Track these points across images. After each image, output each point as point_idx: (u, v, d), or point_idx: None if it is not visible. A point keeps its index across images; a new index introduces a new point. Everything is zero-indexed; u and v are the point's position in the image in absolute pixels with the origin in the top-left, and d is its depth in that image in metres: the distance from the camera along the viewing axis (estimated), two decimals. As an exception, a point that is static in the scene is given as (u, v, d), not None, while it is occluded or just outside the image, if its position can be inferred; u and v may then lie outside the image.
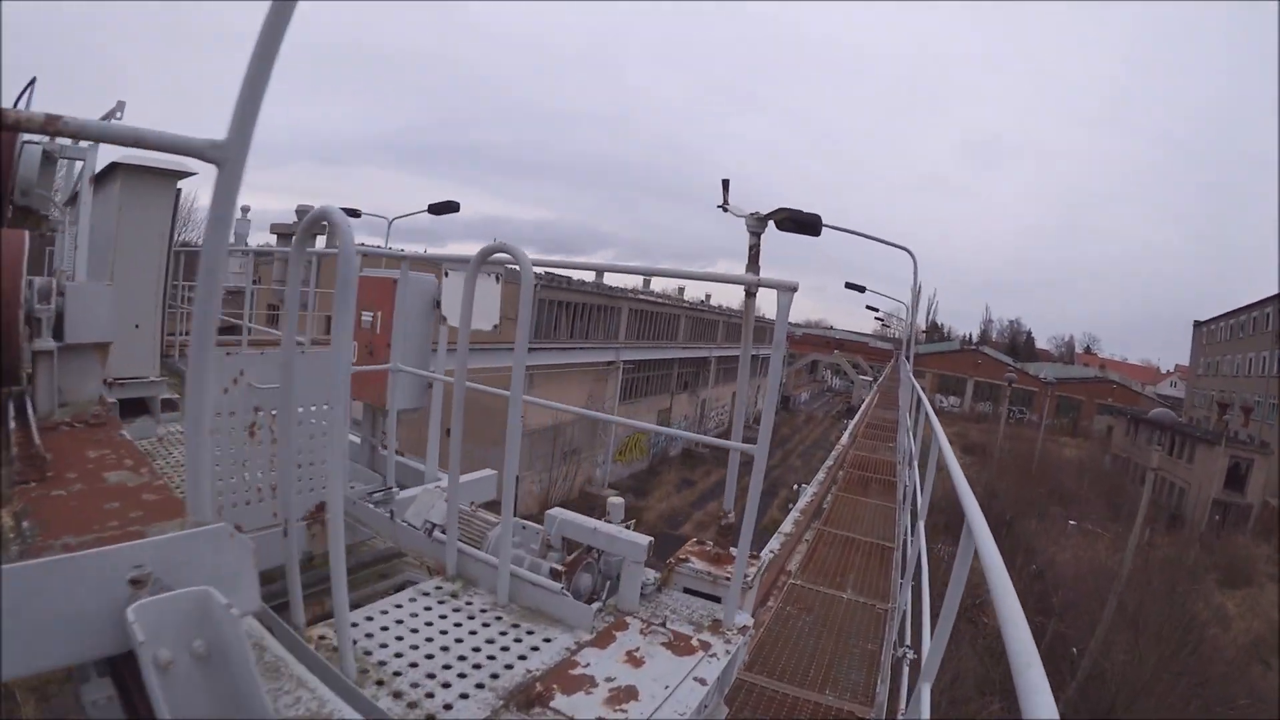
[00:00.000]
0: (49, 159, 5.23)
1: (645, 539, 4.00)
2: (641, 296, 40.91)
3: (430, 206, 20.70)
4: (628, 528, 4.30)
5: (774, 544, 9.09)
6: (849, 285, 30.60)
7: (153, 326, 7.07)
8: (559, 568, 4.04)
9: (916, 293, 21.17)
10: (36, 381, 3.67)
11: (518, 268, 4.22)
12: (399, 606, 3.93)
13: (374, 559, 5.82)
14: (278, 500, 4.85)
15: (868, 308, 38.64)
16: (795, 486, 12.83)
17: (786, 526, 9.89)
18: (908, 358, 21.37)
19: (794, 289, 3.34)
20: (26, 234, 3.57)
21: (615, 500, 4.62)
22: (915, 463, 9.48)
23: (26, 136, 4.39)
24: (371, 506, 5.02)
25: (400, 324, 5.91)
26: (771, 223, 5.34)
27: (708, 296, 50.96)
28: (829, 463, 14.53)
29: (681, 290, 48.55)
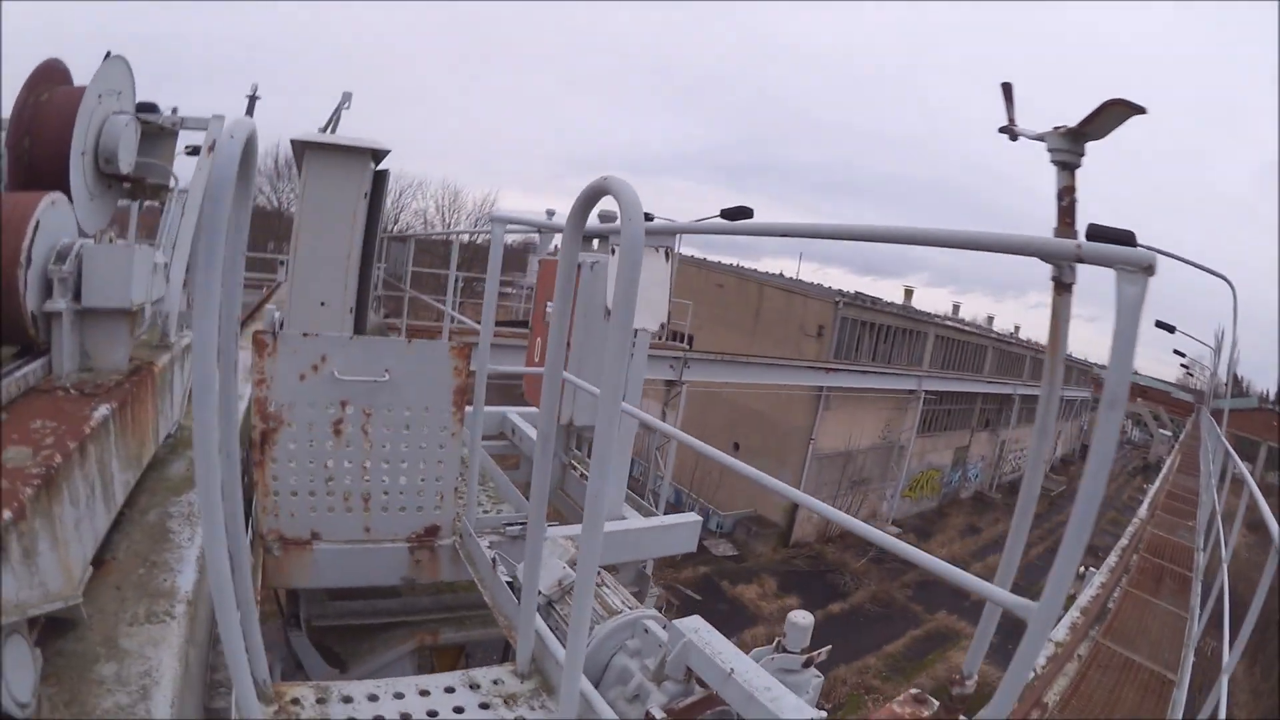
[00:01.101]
0: (166, 131, 5.18)
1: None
2: (949, 323, 38.26)
3: (723, 211, 20.01)
4: (811, 663, 2.99)
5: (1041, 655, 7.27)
6: (1159, 324, 26.30)
7: (340, 305, 6.84)
8: (657, 717, 2.88)
9: (1221, 336, 17.31)
10: (52, 344, 3.44)
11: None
12: (424, 695, 3.01)
13: (461, 612, 5.16)
14: (370, 514, 4.22)
15: (1175, 352, 33.36)
16: (1083, 570, 10.24)
17: (1060, 632, 7.97)
18: (1212, 413, 17.52)
19: (1149, 270, 1.77)
20: (46, 196, 3.39)
21: (801, 620, 3.02)
22: (1225, 558, 7.30)
23: (115, 107, 4.25)
24: (484, 546, 4.15)
25: (580, 318, 5.15)
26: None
27: (1016, 329, 46.95)
28: (1123, 542, 11.96)
29: (990, 320, 44.99)
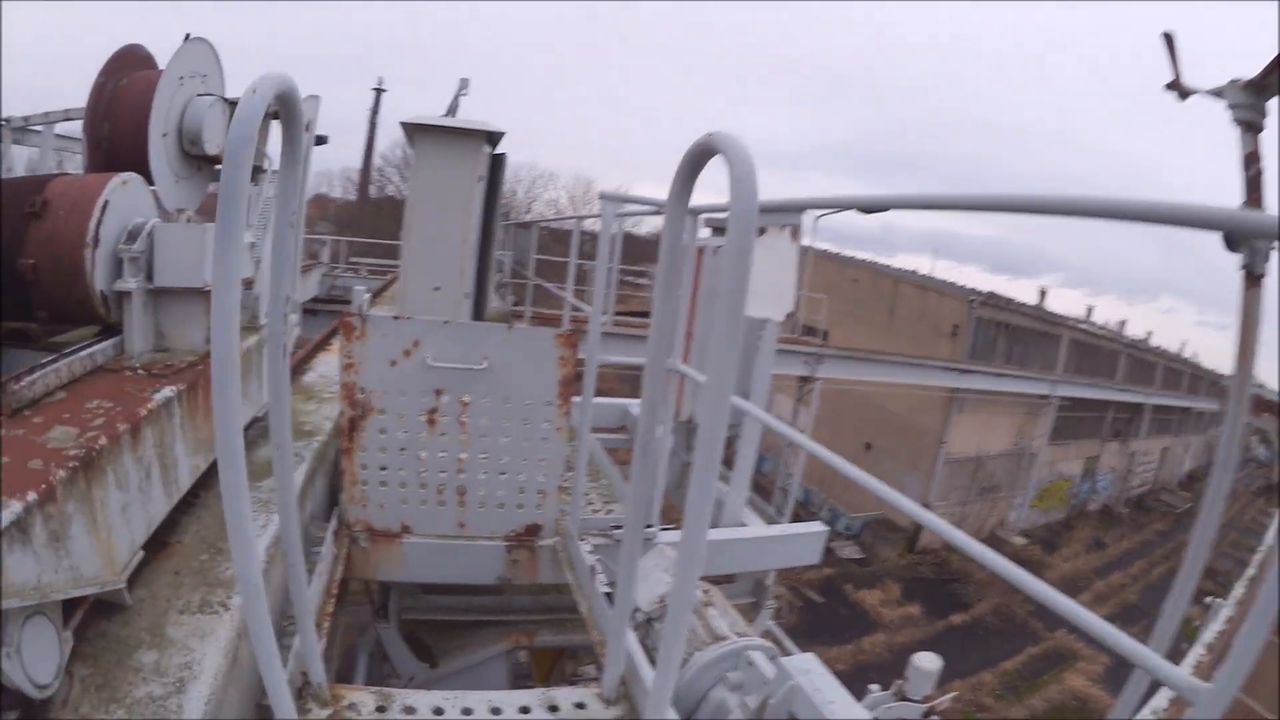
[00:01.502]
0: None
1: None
2: (1082, 326, 36.20)
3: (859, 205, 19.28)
4: (933, 712, 2.56)
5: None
6: None
7: (456, 291, 6.68)
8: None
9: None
10: (124, 323, 3.31)
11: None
12: (495, 713, 2.72)
13: (562, 614, 4.90)
14: (465, 509, 3.92)
15: None
16: (1207, 601, 8.97)
17: (1182, 671, 7.03)
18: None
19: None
20: (117, 177, 3.31)
21: (926, 664, 2.61)
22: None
23: (199, 89, 4.14)
24: (585, 549, 3.78)
25: (704, 309, 4.73)
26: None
27: (1149, 335, 43.94)
28: (1250, 571, 10.71)
29: (1122, 324, 42.23)
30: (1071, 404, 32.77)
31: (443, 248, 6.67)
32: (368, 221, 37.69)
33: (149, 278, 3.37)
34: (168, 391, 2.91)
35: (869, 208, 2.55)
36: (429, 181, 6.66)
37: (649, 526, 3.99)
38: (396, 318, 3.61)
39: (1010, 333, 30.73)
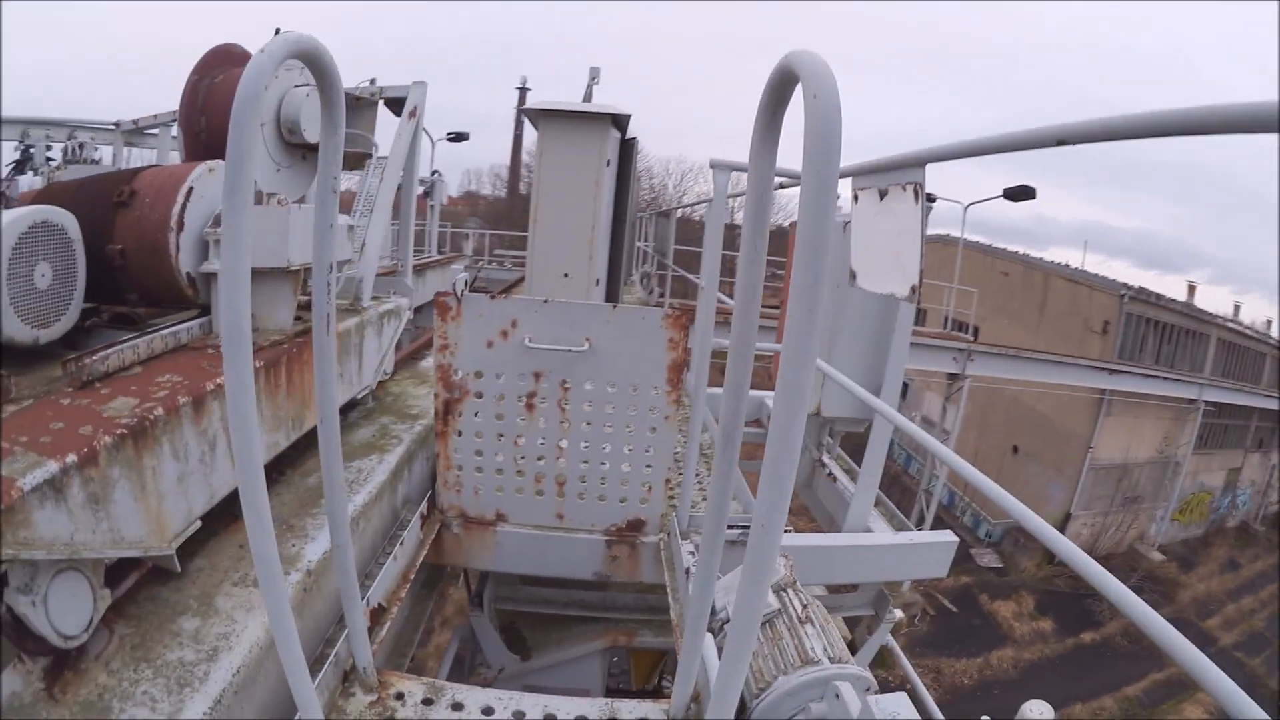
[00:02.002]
0: (365, 102, 5.16)
1: None
2: (1230, 325, 33.58)
3: (1005, 191, 18.45)
4: None
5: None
6: None
7: (585, 277, 6.61)
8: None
9: None
10: (212, 304, 3.35)
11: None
12: None
13: (666, 615, 4.51)
14: (564, 500, 3.68)
15: None
16: None
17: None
18: None
19: None
20: (204, 164, 3.40)
21: (1037, 716, 2.09)
22: None
23: (297, 80, 4.23)
24: (686, 549, 3.48)
25: (830, 290, 4.36)
26: None
27: None
28: None
29: (1269, 324, 38.82)
30: (1216, 409, 30.69)
31: (571, 234, 6.51)
32: (517, 217, 38.33)
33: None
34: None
35: (983, 150, 2.15)
36: (554, 167, 6.51)
37: (733, 528, 3.66)
38: (494, 297, 3.39)
39: (1160, 330, 28.96)
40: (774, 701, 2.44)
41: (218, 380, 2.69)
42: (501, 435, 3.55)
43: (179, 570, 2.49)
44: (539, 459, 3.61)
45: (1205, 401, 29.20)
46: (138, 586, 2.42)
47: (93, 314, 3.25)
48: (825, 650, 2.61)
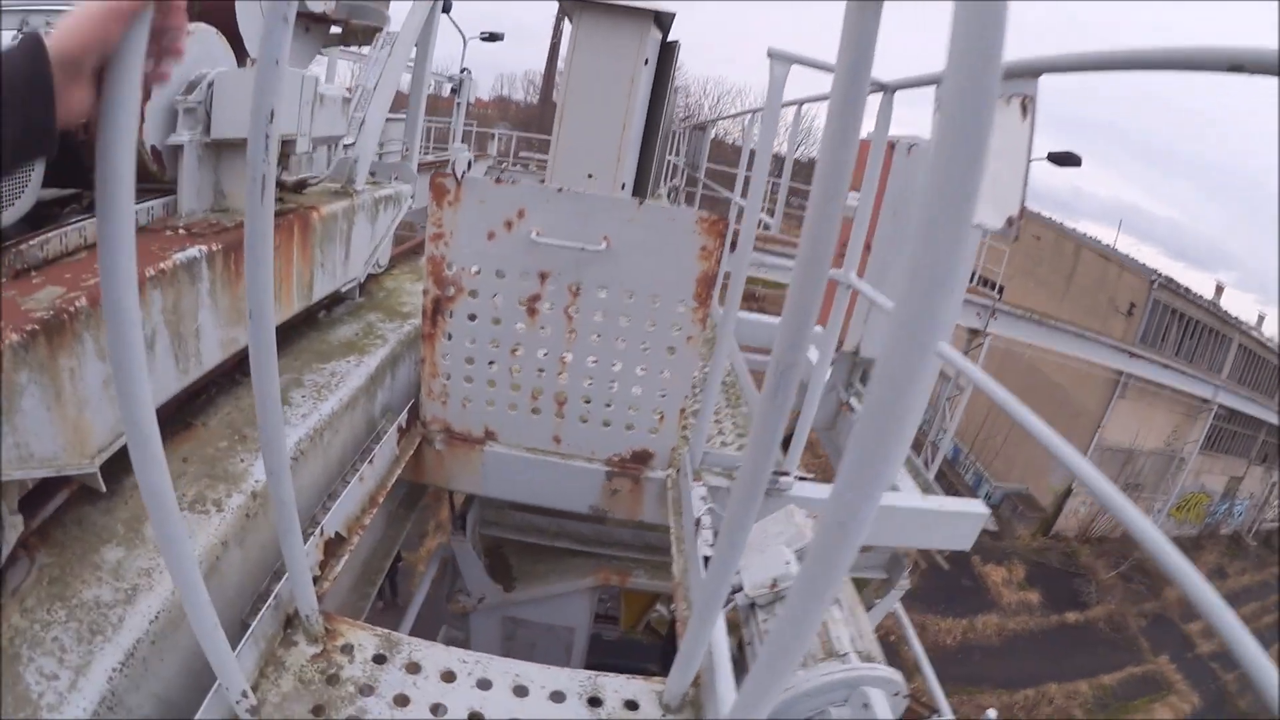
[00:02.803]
0: None
1: None
2: (1253, 333, 32.98)
3: (1050, 155, 17.79)
4: None
5: None
6: None
7: (610, 180, 6.25)
8: None
9: None
10: (178, 181, 2.93)
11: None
12: (520, 694, 2.11)
13: (664, 556, 4.14)
14: (563, 421, 3.25)
15: None
16: None
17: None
18: None
19: None
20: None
21: None
22: None
23: None
24: (698, 492, 3.05)
25: (888, 216, 3.90)
26: None
27: None
28: None
29: None
30: (1228, 415, 30.35)
31: (599, 132, 6.10)
32: (547, 123, 37.85)
33: (207, 130, 2.95)
34: (193, 251, 2.46)
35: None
36: (588, 61, 6.08)
37: (782, 474, 3.22)
38: (499, 180, 2.91)
39: (1184, 324, 28.46)
40: (789, 700, 2.06)
41: (162, 265, 2.28)
42: (497, 342, 3.11)
43: (104, 489, 2.13)
44: (538, 372, 3.17)
45: (1219, 404, 28.89)
46: (68, 505, 2.11)
47: (73, 201, 2.83)
48: (853, 641, 2.23)
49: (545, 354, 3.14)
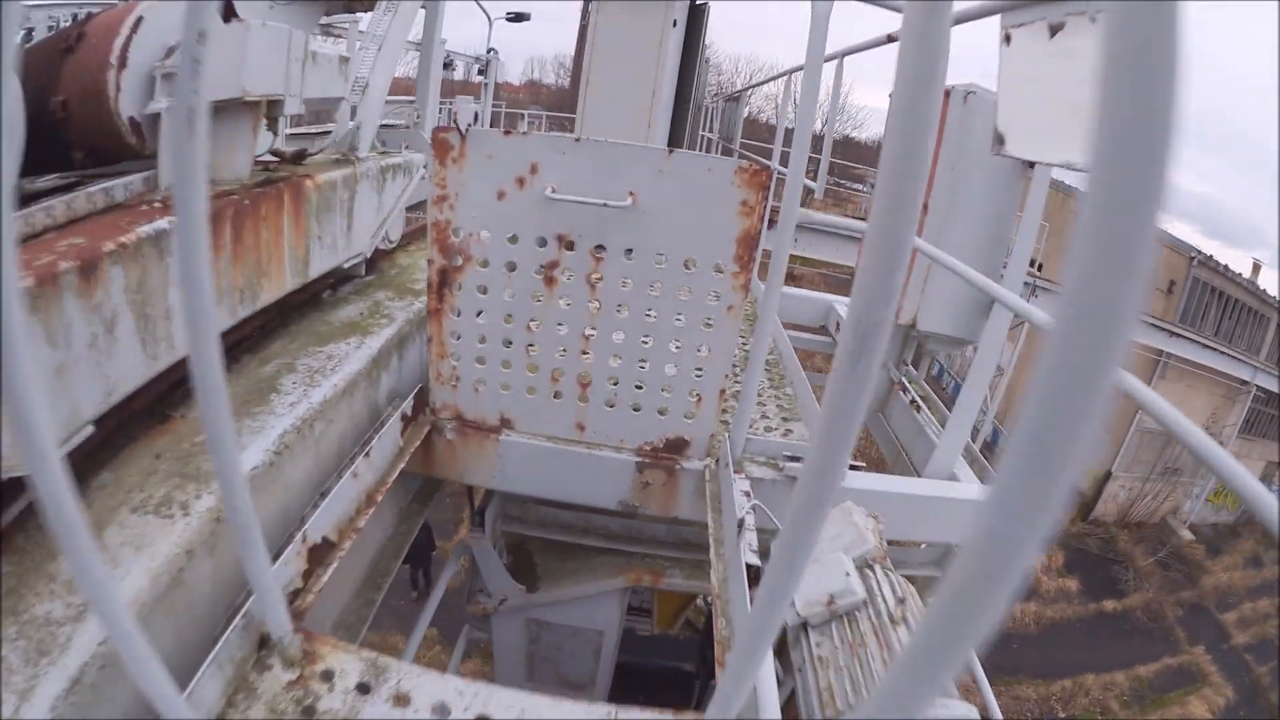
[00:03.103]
0: None
1: None
2: None
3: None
4: None
5: None
6: None
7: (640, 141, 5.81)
8: None
9: None
10: (159, 152, 2.68)
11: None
12: None
13: (702, 554, 3.86)
14: (587, 406, 2.91)
15: None
16: None
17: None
18: None
19: None
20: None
21: None
22: None
23: None
24: (740, 485, 2.69)
25: (944, 169, 3.54)
26: None
27: None
28: None
29: None
30: (1265, 398, 29.85)
31: (627, 100, 5.85)
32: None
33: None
34: (161, 223, 2.17)
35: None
36: (613, 25, 5.84)
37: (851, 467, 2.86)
38: (508, 132, 2.56)
39: (1223, 302, 27.94)
40: None
41: (123, 239, 2.01)
42: (512, 317, 2.77)
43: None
44: (559, 351, 2.83)
45: (1257, 386, 28.36)
46: (33, 509, 1.83)
47: (73, 187, 2.59)
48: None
49: (566, 330, 2.80)
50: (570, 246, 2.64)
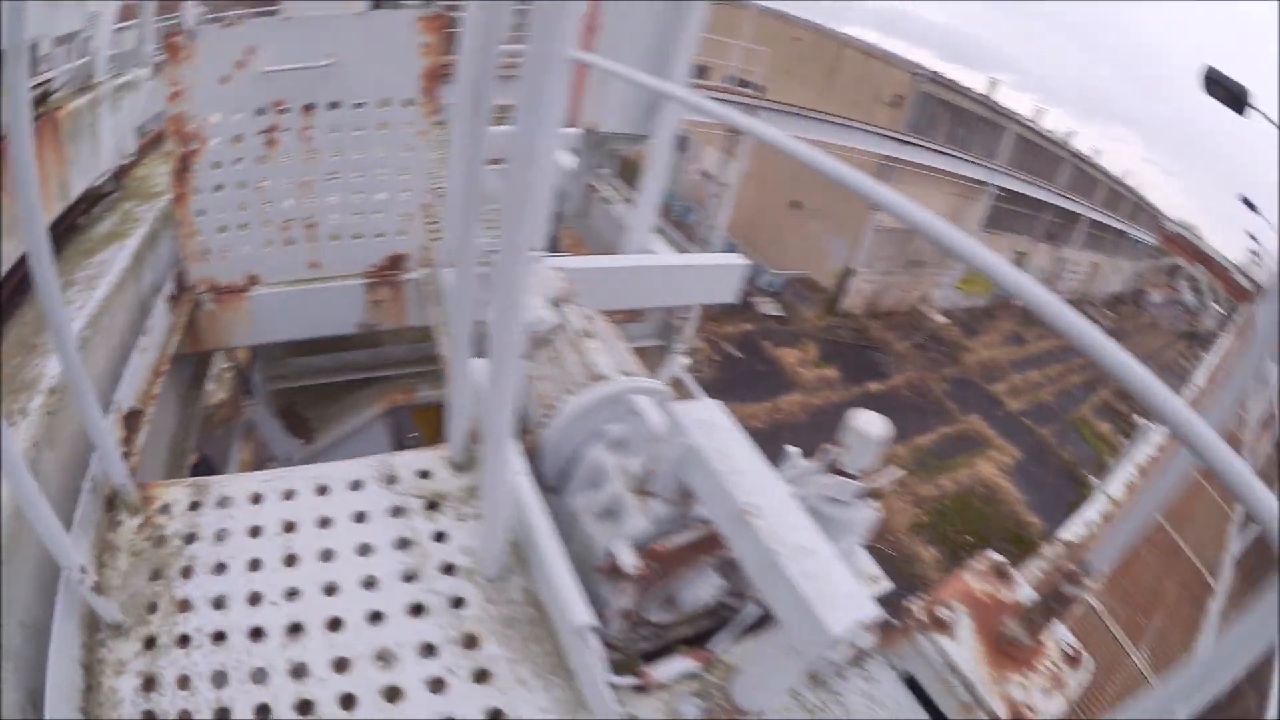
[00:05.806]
0: None
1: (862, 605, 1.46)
2: (1029, 124, 35.26)
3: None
4: (876, 495, 1.87)
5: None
6: (1246, 202, 27.41)
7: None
8: (623, 564, 1.86)
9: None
10: None
11: None
12: (322, 493, 2.37)
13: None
14: (317, 245, 3.45)
15: (1248, 234, 32.07)
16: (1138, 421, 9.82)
17: (1115, 485, 7.61)
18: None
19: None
20: None
21: (872, 430, 1.85)
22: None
23: None
24: (453, 277, 3.37)
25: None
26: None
27: (1096, 153, 43.03)
28: None
29: (1070, 135, 40.76)
30: (1008, 196, 32.42)
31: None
32: None
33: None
34: None
35: None
36: None
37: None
38: (228, 24, 3.02)
39: (954, 114, 30.06)
40: (563, 426, 2.32)
41: None
42: (244, 183, 3.24)
43: None
44: (286, 201, 3.34)
45: (996, 186, 30.87)
46: None
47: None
48: (617, 366, 2.50)
49: (289, 181, 3.29)
50: (283, 110, 3.12)
